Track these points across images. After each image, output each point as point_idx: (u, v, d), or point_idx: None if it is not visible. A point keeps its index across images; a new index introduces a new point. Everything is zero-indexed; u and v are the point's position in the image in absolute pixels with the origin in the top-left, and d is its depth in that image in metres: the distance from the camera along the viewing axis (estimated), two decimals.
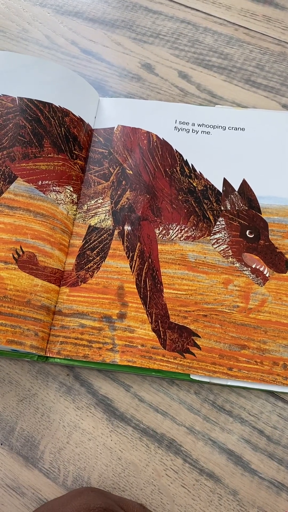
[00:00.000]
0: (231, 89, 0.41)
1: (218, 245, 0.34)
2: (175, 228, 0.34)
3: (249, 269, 0.33)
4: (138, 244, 0.34)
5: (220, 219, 0.34)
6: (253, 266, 0.33)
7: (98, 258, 0.33)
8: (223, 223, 0.34)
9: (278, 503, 0.28)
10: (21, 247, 0.31)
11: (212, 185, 0.35)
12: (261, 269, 0.33)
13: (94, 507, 0.23)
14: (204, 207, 0.35)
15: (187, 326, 0.31)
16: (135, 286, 0.32)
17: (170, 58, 0.43)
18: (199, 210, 0.35)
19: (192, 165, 0.36)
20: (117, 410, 0.31)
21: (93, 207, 0.35)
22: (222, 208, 0.35)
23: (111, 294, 0.32)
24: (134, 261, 0.33)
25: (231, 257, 0.33)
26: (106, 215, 0.35)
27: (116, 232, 0.34)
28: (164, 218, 0.35)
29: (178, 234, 0.34)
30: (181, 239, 0.34)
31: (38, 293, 0.31)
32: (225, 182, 0.36)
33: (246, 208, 0.35)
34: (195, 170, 0.36)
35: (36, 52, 0.44)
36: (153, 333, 0.31)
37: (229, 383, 0.30)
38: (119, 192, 0.36)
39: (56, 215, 0.33)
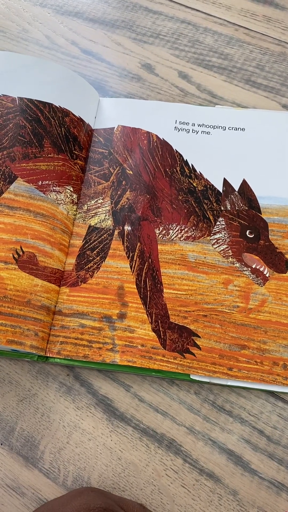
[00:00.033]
0: (231, 89, 0.41)
1: (218, 245, 0.34)
2: (175, 228, 0.34)
3: (249, 269, 0.33)
4: (138, 244, 0.34)
5: (220, 219, 0.34)
6: (253, 266, 0.33)
7: (98, 258, 0.33)
8: (223, 223, 0.34)
9: (278, 503, 0.28)
10: (21, 247, 0.31)
11: (212, 185, 0.35)
12: (261, 269, 0.33)
13: (94, 507, 0.23)
14: (204, 207, 0.35)
15: (187, 326, 0.31)
16: (135, 286, 0.32)
17: (170, 58, 0.43)
18: (199, 210, 0.35)
19: (192, 165, 0.36)
20: (117, 410, 0.31)
21: (93, 207, 0.35)
22: (222, 208, 0.35)
23: (111, 294, 0.32)
24: (134, 261, 0.33)
25: (231, 257, 0.33)
26: (106, 215, 0.35)
27: (116, 232, 0.34)
28: (164, 218, 0.35)
29: (178, 234, 0.34)
30: (181, 239, 0.34)
31: (38, 293, 0.31)
32: (225, 182, 0.36)
33: (246, 208, 0.35)
34: (195, 170, 0.36)
35: (36, 52, 0.44)
36: (153, 333, 0.31)
37: (229, 383, 0.30)
38: (119, 192, 0.36)
39: (56, 215, 0.33)
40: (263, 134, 0.37)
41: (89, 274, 0.33)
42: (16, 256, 0.31)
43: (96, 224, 0.35)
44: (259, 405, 0.31)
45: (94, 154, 0.37)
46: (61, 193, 0.34)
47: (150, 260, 0.33)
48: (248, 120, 0.38)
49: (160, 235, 0.34)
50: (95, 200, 0.35)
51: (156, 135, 0.37)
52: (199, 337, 0.31)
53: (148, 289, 0.32)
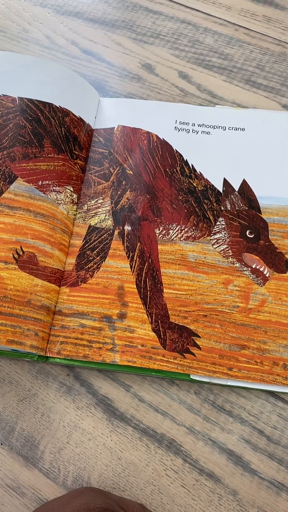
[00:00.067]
0: (231, 89, 0.41)
1: (218, 245, 0.34)
2: (175, 228, 0.34)
3: (249, 269, 0.33)
4: (138, 244, 0.34)
5: (220, 219, 0.34)
6: (253, 266, 0.33)
7: (98, 258, 0.33)
8: (223, 223, 0.34)
9: (278, 503, 0.28)
10: (21, 247, 0.31)
11: (212, 185, 0.35)
12: (261, 269, 0.33)
13: (94, 507, 0.23)
14: (204, 207, 0.35)
15: (187, 326, 0.31)
16: (135, 286, 0.32)
17: (170, 58, 0.43)
18: (199, 210, 0.35)
19: (192, 165, 0.36)
20: (117, 410, 0.31)
21: (93, 207, 0.35)
22: (222, 208, 0.35)
23: (111, 294, 0.32)
24: (134, 261, 0.33)
25: (231, 257, 0.33)
26: (106, 215, 0.35)
27: (116, 232, 0.34)
28: (164, 218, 0.35)
29: (178, 234, 0.34)
30: (181, 239, 0.34)
31: (38, 293, 0.31)
32: (225, 182, 0.36)
33: (246, 208, 0.35)
34: (195, 170, 0.36)
35: (36, 52, 0.44)
36: (153, 333, 0.31)
37: (229, 383, 0.30)
38: (119, 192, 0.36)
39: (56, 215, 0.33)
40: (263, 134, 0.37)
41: (89, 274, 0.33)
42: (16, 256, 0.31)
43: (96, 224, 0.35)
44: (259, 405, 0.31)
45: (94, 154, 0.37)
46: (61, 193, 0.34)
47: (150, 260, 0.33)
48: (248, 120, 0.38)
49: (160, 235, 0.34)
50: (95, 200, 0.35)
51: (156, 135, 0.37)
52: (199, 337, 0.31)
53: (148, 289, 0.32)
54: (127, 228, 0.34)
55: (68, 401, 0.31)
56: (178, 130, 0.38)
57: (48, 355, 0.30)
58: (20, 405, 0.31)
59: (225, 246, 0.34)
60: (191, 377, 0.30)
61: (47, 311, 0.31)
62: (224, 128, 0.38)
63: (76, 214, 0.35)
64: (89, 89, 0.38)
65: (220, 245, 0.34)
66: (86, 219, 0.35)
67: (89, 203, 0.35)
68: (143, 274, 0.33)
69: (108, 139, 0.37)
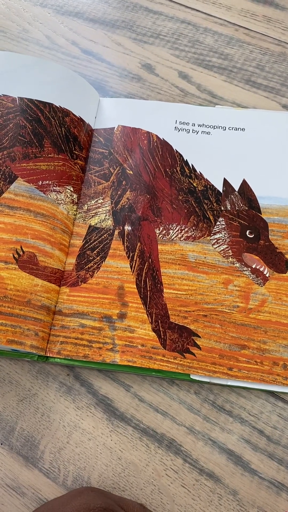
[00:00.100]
0: (231, 90, 0.41)
1: (218, 245, 0.34)
2: (175, 228, 0.34)
3: (249, 269, 0.33)
4: (138, 244, 0.34)
5: (220, 219, 0.34)
6: (253, 266, 0.33)
7: (98, 258, 0.33)
8: (223, 223, 0.34)
9: (278, 503, 0.28)
10: (21, 247, 0.31)
11: (212, 185, 0.35)
12: (261, 269, 0.33)
13: (94, 507, 0.23)
14: (204, 207, 0.35)
15: (187, 326, 0.31)
16: (135, 286, 0.32)
17: (170, 58, 0.43)
18: (199, 210, 0.35)
19: (192, 165, 0.36)
20: (117, 410, 0.31)
21: (93, 207, 0.35)
22: (222, 208, 0.35)
23: (111, 294, 0.32)
24: (134, 261, 0.33)
25: (231, 257, 0.33)
26: (106, 215, 0.35)
27: (116, 232, 0.34)
28: (164, 218, 0.35)
29: (178, 234, 0.34)
30: (181, 239, 0.34)
31: (38, 293, 0.31)
32: (225, 182, 0.36)
33: (246, 208, 0.35)
34: (195, 170, 0.36)
35: (36, 52, 0.44)
36: (153, 333, 0.31)
37: (229, 383, 0.30)
38: (119, 192, 0.36)
39: (56, 215, 0.33)
40: (263, 134, 0.37)
41: (89, 274, 0.33)
42: (16, 256, 0.31)
43: (96, 224, 0.35)
44: (259, 405, 0.31)
45: (94, 154, 0.37)
46: (61, 193, 0.34)
47: (150, 260, 0.33)
48: (248, 120, 0.38)
49: (160, 235, 0.34)
50: (95, 200, 0.35)
51: (156, 135, 0.37)
52: (199, 337, 0.31)
53: (148, 289, 0.32)
54: (127, 228, 0.34)
55: (68, 401, 0.31)
56: (178, 130, 0.38)
57: (48, 355, 0.30)
58: (20, 405, 0.31)
59: (225, 246, 0.34)
60: (191, 377, 0.30)
61: (47, 311, 0.31)
62: (224, 128, 0.38)
63: (76, 214, 0.35)
64: (89, 89, 0.38)
65: (220, 245, 0.34)
66: (86, 219, 0.35)
67: (89, 203, 0.35)
68: (143, 274, 0.33)
69: (108, 139, 0.37)
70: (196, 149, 0.37)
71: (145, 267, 0.33)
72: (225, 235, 0.34)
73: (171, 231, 0.34)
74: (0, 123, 0.34)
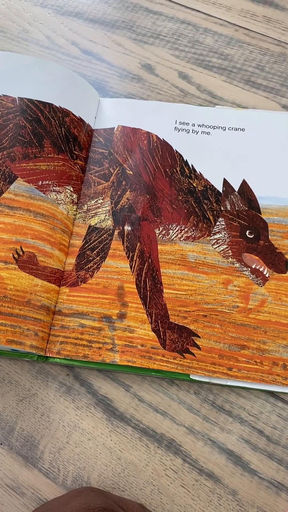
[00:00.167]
0: (231, 90, 0.41)
1: (218, 245, 0.34)
2: (175, 228, 0.34)
3: (249, 269, 0.33)
4: (138, 244, 0.34)
5: (220, 219, 0.34)
6: (253, 267, 0.33)
7: (98, 258, 0.33)
8: (223, 223, 0.34)
9: (277, 503, 0.28)
10: (21, 247, 0.31)
11: (212, 186, 0.35)
12: (261, 269, 0.33)
13: (93, 507, 0.23)
14: (204, 207, 0.35)
15: (187, 326, 0.31)
16: (135, 286, 0.32)
17: (170, 58, 0.43)
18: (199, 210, 0.35)
19: (192, 165, 0.36)
20: (117, 410, 0.31)
21: (93, 207, 0.35)
22: (222, 209, 0.35)
23: (111, 294, 0.32)
24: (134, 261, 0.33)
25: (231, 258, 0.33)
26: (106, 215, 0.35)
27: (116, 232, 0.34)
28: (164, 218, 0.35)
29: (178, 234, 0.34)
30: (181, 239, 0.34)
31: (38, 293, 0.31)
32: (225, 183, 0.36)
33: (246, 208, 0.35)
34: (195, 171, 0.36)
35: (36, 52, 0.44)
36: (153, 333, 0.31)
37: (228, 383, 0.30)
38: (119, 192, 0.36)
39: (56, 215, 0.33)
40: (263, 135, 0.37)
41: (89, 274, 0.33)
42: (16, 256, 0.31)
43: (96, 224, 0.35)
44: (259, 405, 0.31)
45: (94, 154, 0.37)
46: (61, 193, 0.34)
47: (150, 260, 0.33)
48: (248, 120, 0.38)
49: (160, 235, 0.34)
50: (95, 200, 0.35)
51: (156, 135, 0.37)
52: (199, 337, 0.31)
53: (148, 289, 0.32)
54: (127, 228, 0.34)
55: (68, 401, 0.31)
56: (178, 130, 0.38)
57: (48, 355, 0.30)
58: (19, 405, 0.31)
59: (225, 246, 0.34)
60: (190, 377, 0.30)
61: (47, 311, 0.31)
62: (224, 128, 0.38)
63: (76, 214, 0.35)
64: (89, 89, 0.38)
65: (220, 245, 0.34)
66: (86, 219, 0.35)
67: (89, 203, 0.35)
68: (143, 274, 0.33)
69: (108, 139, 0.38)
70: (196, 149, 0.37)
71: (145, 267, 0.33)
72: (225, 235, 0.34)
73: (171, 231, 0.34)
74: (0, 123, 0.34)
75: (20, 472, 0.29)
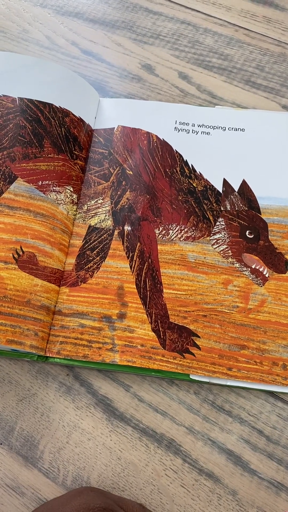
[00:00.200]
0: (231, 90, 0.41)
1: (217, 245, 0.34)
2: (175, 229, 0.34)
3: (249, 269, 0.33)
4: (138, 244, 0.34)
5: (220, 219, 0.34)
6: (253, 267, 0.33)
7: (98, 258, 0.33)
8: (223, 223, 0.34)
9: (277, 503, 0.28)
10: (21, 247, 0.31)
11: (212, 186, 0.36)
12: (261, 269, 0.33)
13: (93, 507, 0.23)
14: (204, 207, 0.35)
15: (187, 326, 0.31)
16: (135, 286, 0.32)
17: (170, 59, 0.43)
18: (199, 210, 0.35)
19: (192, 165, 0.36)
20: (117, 410, 0.31)
21: (93, 207, 0.35)
22: (222, 209, 0.35)
23: (111, 294, 0.32)
24: (134, 261, 0.33)
25: (231, 258, 0.33)
26: (106, 215, 0.35)
27: (116, 232, 0.34)
28: (164, 218, 0.35)
29: (178, 234, 0.34)
30: (181, 239, 0.34)
31: (38, 293, 0.31)
32: (225, 183, 0.36)
33: (246, 208, 0.35)
34: (195, 171, 0.36)
35: (36, 52, 0.44)
36: (153, 333, 0.31)
37: (228, 383, 0.30)
38: (119, 193, 0.36)
39: (56, 215, 0.33)
40: (263, 135, 0.37)
41: (89, 274, 0.33)
42: (16, 256, 0.31)
43: (96, 224, 0.35)
44: (259, 405, 0.31)
45: (94, 154, 0.37)
46: (61, 193, 0.34)
47: (150, 260, 0.33)
48: (248, 120, 0.38)
49: (160, 235, 0.34)
50: (95, 200, 0.35)
51: (156, 136, 0.37)
52: (199, 337, 0.31)
53: (148, 289, 0.32)
54: (127, 228, 0.34)
55: (68, 401, 0.31)
56: (178, 130, 0.38)
57: (48, 355, 0.31)
58: (19, 405, 0.31)
59: (225, 246, 0.34)
60: (190, 377, 0.30)
61: (46, 311, 0.31)
62: (224, 128, 0.38)
63: (76, 214, 0.35)
64: (89, 89, 0.38)
65: (220, 245, 0.34)
66: (86, 219, 0.35)
67: (89, 203, 0.35)
68: (143, 274, 0.33)
69: (108, 140, 0.38)
70: (196, 150, 0.37)
71: (144, 267, 0.33)
72: (225, 236, 0.34)
73: (170, 231, 0.34)
74: (0, 123, 0.34)
75: (20, 472, 0.29)
